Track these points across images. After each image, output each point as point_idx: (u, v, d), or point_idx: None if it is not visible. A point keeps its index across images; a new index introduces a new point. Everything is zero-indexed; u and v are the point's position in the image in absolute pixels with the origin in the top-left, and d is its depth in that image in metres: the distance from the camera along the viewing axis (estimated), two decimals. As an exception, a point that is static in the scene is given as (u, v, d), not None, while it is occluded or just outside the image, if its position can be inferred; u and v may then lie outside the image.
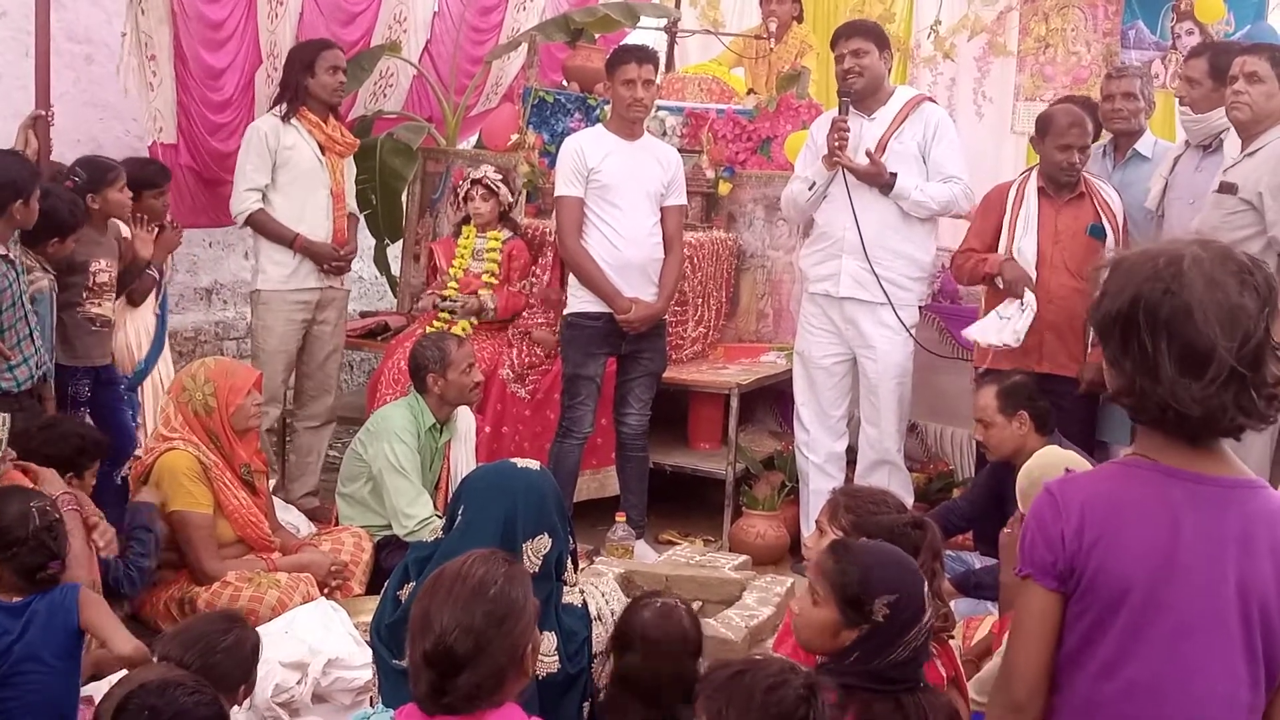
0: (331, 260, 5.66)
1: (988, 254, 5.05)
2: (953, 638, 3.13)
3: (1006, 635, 2.01)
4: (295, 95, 5.49)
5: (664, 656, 2.92)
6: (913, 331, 5.25)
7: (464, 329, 5.66)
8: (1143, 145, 5.46)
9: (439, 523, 4.42)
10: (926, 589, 2.62)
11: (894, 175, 4.99)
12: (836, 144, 5.02)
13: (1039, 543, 1.93)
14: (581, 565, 4.07)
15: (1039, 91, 7.76)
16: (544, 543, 2.98)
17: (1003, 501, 4.75)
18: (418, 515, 4.69)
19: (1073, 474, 2.05)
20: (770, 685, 2.15)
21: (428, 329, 5.57)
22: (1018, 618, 1.98)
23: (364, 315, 7.06)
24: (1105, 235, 4.96)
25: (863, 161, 5.03)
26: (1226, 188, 4.54)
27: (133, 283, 5.04)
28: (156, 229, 5.21)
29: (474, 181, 5.89)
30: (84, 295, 4.74)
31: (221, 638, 2.97)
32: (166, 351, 5.34)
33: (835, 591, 2.54)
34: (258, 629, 3.92)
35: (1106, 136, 5.75)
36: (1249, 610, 1.88)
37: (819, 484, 5.37)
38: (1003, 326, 4.89)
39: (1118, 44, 7.78)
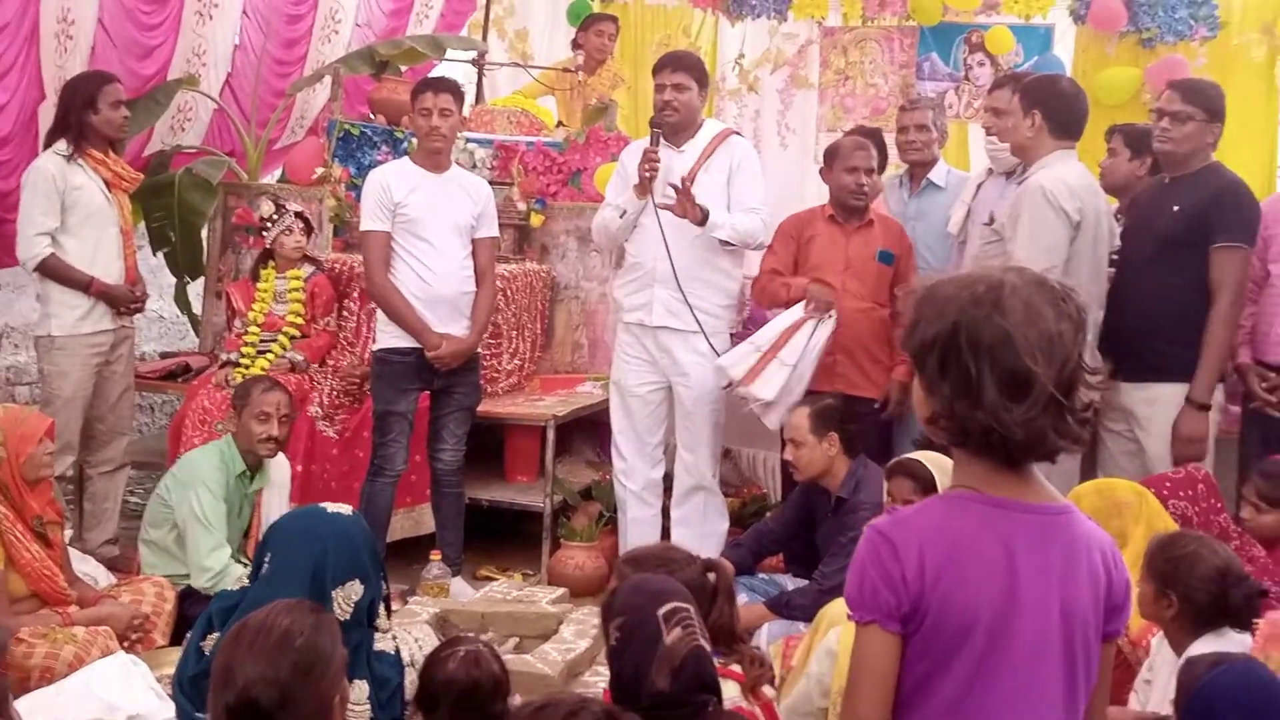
0: (129, 302, 5.46)
1: (790, 279, 5.18)
2: (772, 685, 3.16)
3: (846, 680, 1.99)
4: (79, 132, 5.28)
5: (475, 708, 2.86)
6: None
7: (262, 368, 5.52)
8: (936, 174, 5.68)
9: (238, 571, 4.31)
10: (679, 615, 2.60)
11: (705, 212, 5.05)
12: (647, 174, 5.07)
13: (879, 586, 1.88)
14: (396, 606, 4.01)
15: (840, 122, 8.03)
16: (355, 589, 2.93)
17: (813, 522, 4.86)
18: (213, 568, 4.53)
19: (898, 513, 2.04)
20: (570, 711, 2.15)
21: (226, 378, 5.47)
22: (858, 664, 1.94)
23: (164, 356, 6.82)
24: (893, 261, 5.14)
25: (670, 193, 5.09)
26: (990, 218, 4.75)
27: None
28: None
29: (296, 215, 5.81)
30: None
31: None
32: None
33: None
34: (53, 686, 3.77)
35: (901, 167, 5.97)
36: (1072, 636, 1.92)
37: (637, 512, 5.40)
38: (746, 355, 5.02)
39: (913, 75, 8.11)
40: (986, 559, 1.89)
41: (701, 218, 5.02)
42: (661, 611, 2.56)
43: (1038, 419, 1.83)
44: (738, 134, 5.48)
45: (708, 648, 2.61)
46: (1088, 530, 1.98)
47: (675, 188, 5.01)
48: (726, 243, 5.13)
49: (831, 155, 5.25)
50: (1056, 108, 4.54)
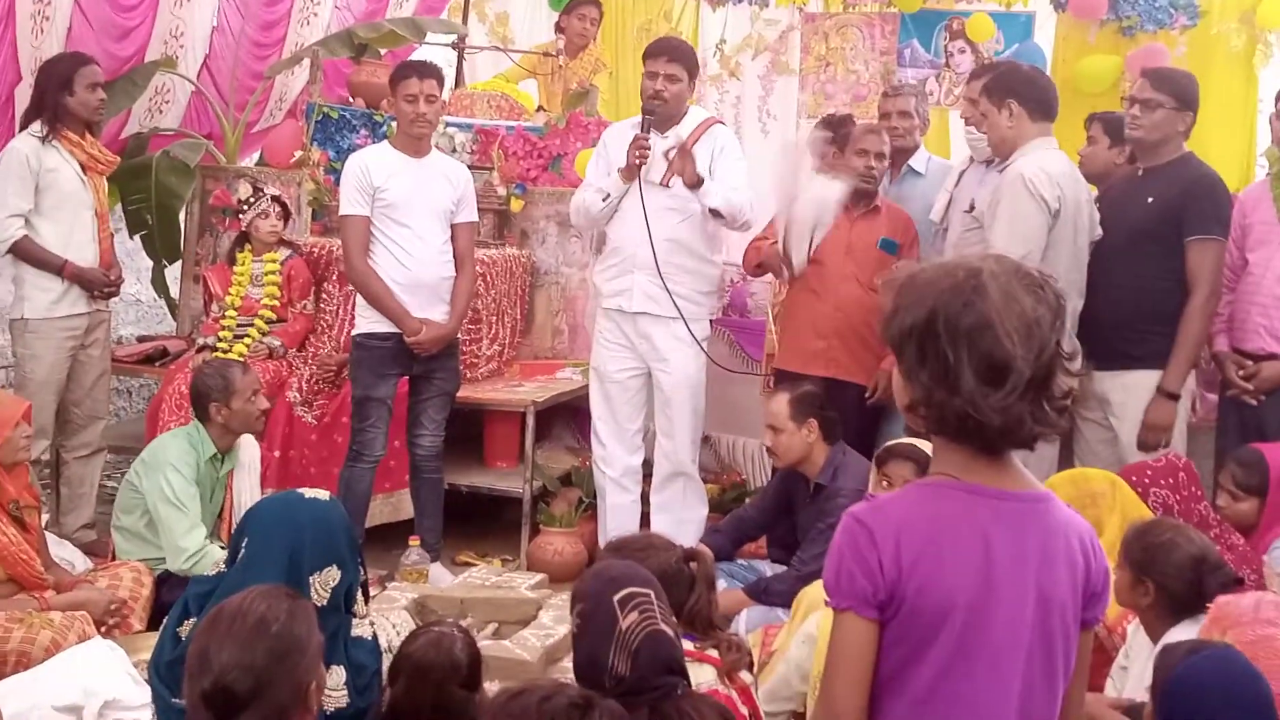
0: (103, 286, 5.42)
1: (762, 243, 5.24)
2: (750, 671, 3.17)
3: (824, 666, 1.99)
4: (55, 114, 5.24)
5: (428, 684, 2.86)
6: (704, 345, 5.33)
7: (240, 354, 5.50)
8: (917, 161, 5.68)
9: (217, 554, 4.29)
10: (648, 607, 2.62)
11: (701, 177, 5.03)
12: (637, 160, 5.05)
13: (856, 573, 1.89)
14: (374, 592, 4.01)
15: (821, 109, 8.01)
16: (332, 575, 2.91)
17: (792, 508, 4.87)
18: (189, 549, 4.51)
19: (876, 500, 2.04)
20: (544, 696, 2.16)
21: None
22: (836, 650, 1.95)
23: (141, 340, 6.77)
24: (896, 249, 5.14)
25: (655, 179, 5.07)
26: (970, 206, 4.76)
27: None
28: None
29: (273, 199, 5.79)
30: None
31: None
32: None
33: None
34: (29, 671, 3.75)
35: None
36: (1050, 622, 1.92)
37: (616, 499, 5.39)
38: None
39: (894, 62, 8.10)
40: (963, 546, 1.90)
41: (697, 180, 5.00)
42: (618, 597, 2.58)
43: (1014, 406, 1.84)
44: (720, 122, 5.47)
45: (670, 632, 2.62)
46: (1066, 518, 1.98)
47: (674, 149, 4.99)
48: (716, 214, 5.08)
49: (843, 139, 5.25)
50: (1028, 92, 4.56)
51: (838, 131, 5.49)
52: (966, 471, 1.93)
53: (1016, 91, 4.54)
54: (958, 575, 1.88)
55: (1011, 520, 1.92)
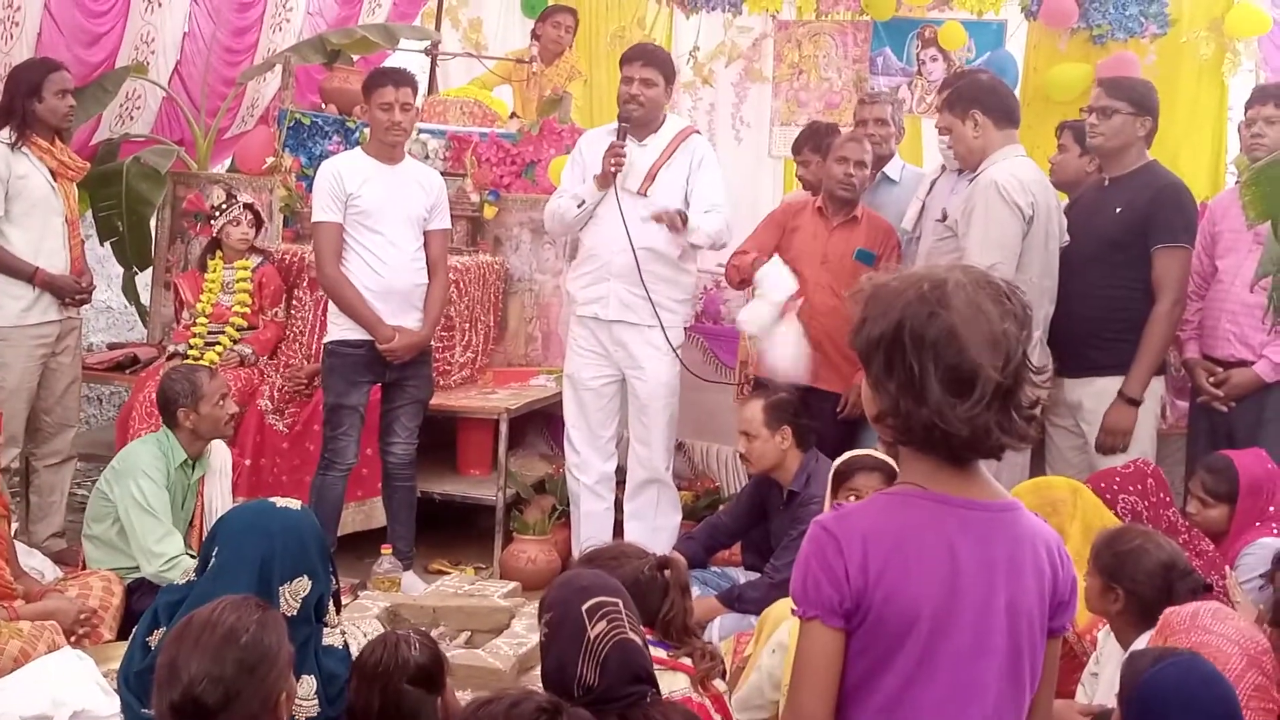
0: (74, 293, 5.39)
1: (742, 259, 5.21)
2: (724, 679, 3.18)
3: (790, 675, 1.99)
4: (24, 121, 5.20)
5: (375, 681, 2.86)
6: (679, 352, 5.33)
7: (211, 361, 5.48)
8: (891, 169, 5.70)
9: (191, 562, 4.26)
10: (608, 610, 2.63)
11: (684, 216, 5.05)
12: (612, 168, 5.05)
13: (823, 582, 1.89)
14: (346, 600, 3.99)
15: (794, 116, 8.05)
16: (303, 585, 2.91)
17: (766, 515, 4.87)
18: (166, 553, 4.48)
19: (843, 509, 2.04)
20: (512, 703, 2.18)
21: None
22: (802, 659, 1.95)
23: (112, 347, 6.74)
24: (873, 260, 5.13)
25: (631, 186, 5.09)
26: (943, 215, 4.78)
27: None
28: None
29: (245, 206, 5.77)
30: None
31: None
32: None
33: None
34: (-3, 681, 3.72)
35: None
36: (1017, 631, 1.93)
37: (590, 505, 5.39)
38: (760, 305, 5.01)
39: (867, 70, 8.13)
40: (930, 555, 1.90)
41: (683, 221, 5.03)
42: (586, 606, 2.59)
43: (981, 416, 1.85)
44: (698, 132, 5.47)
45: (639, 641, 2.62)
46: (1033, 527, 1.99)
47: (660, 217, 5.02)
48: (701, 242, 5.14)
49: (825, 147, 5.26)
50: (990, 101, 4.58)
51: (822, 141, 5.51)
52: (933, 481, 1.93)
53: (979, 101, 4.56)
54: (924, 584, 1.89)
55: (978, 529, 1.93)
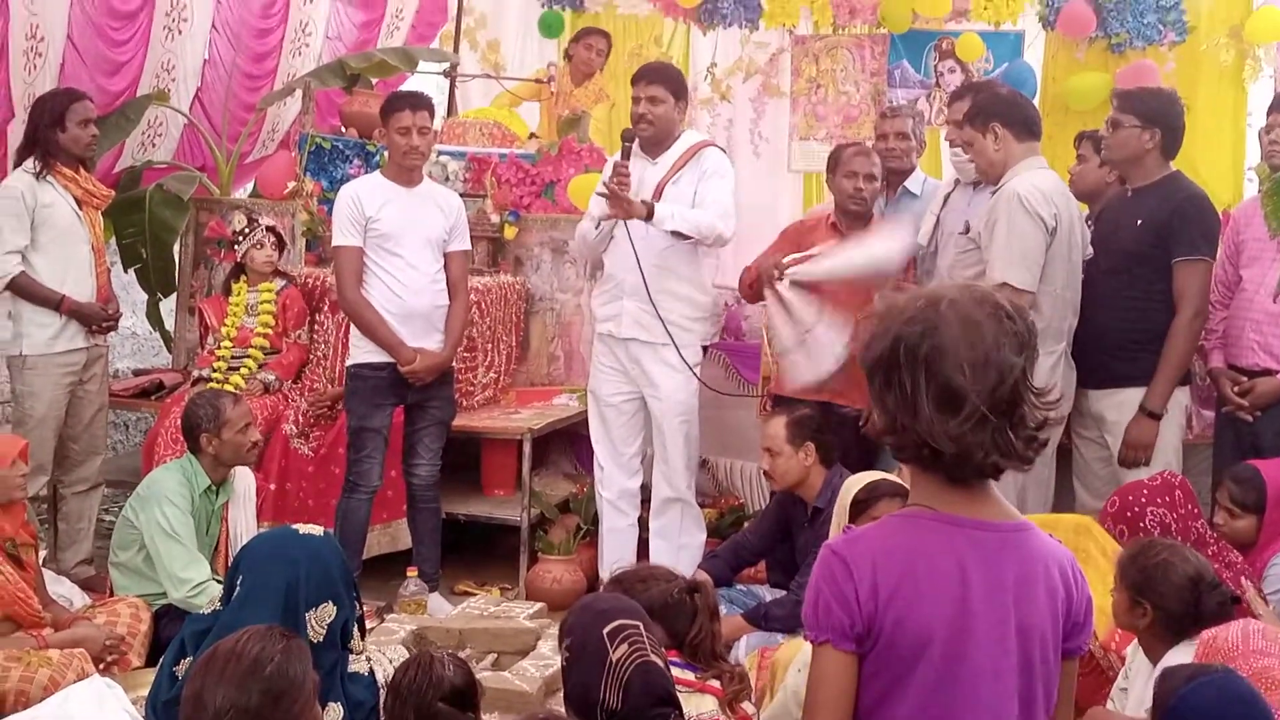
0: (101, 320, 5.43)
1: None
2: (751, 702, 3.17)
3: (805, 699, 1.98)
4: (48, 150, 5.25)
5: (407, 702, 2.86)
6: (696, 370, 5.32)
7: (236, 385, 5.51)
8: (912, 183, 5.67)
9: (217, 588, 4.28)
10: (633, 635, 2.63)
11: (650, 207, 5.00)
12: (616, 186, 5.05)
13: (833, 606, 1.89)
14: (372, 624, 4.00)
15: (812, 131, 8.03)
16: (328, 611, 2.92)
17: (790, 532, 4.86)
18: (193, 579, 4.50)
19: (854, 531, 2.04)
20: None
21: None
22: (815, 683, 1.95)
23: (137, 373, 6.78)
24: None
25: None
26: (965, 227, 4.77)
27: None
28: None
29: (267, 229, 5.81)
30: None
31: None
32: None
33: None
34: (28, 711, 3.73)
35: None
36: (1030, 652, 1.92)
37: (613, 522, 5.39)
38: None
39: (885, 83, 8.11)
40: (940, 577, 1.90)
41: (646, 212, 4.98)
42: (607, 629, 2.59)
43: (968, 435, 1.85)
44: (714, 145, 5.44)
45: (660, 663, 2.62)
46: (1046, 547, 1.98)
47: (604, 192, 4.99)
48: (686, 237, 5.07)
49: (834, 161, 5.17)
50: (1010, 114, 4.56)
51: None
52: (942, 502, 1.93)
53: (999, 114, 4.55)
54: (935, 606, 1.88)
55: (988, 550, 1.92)
